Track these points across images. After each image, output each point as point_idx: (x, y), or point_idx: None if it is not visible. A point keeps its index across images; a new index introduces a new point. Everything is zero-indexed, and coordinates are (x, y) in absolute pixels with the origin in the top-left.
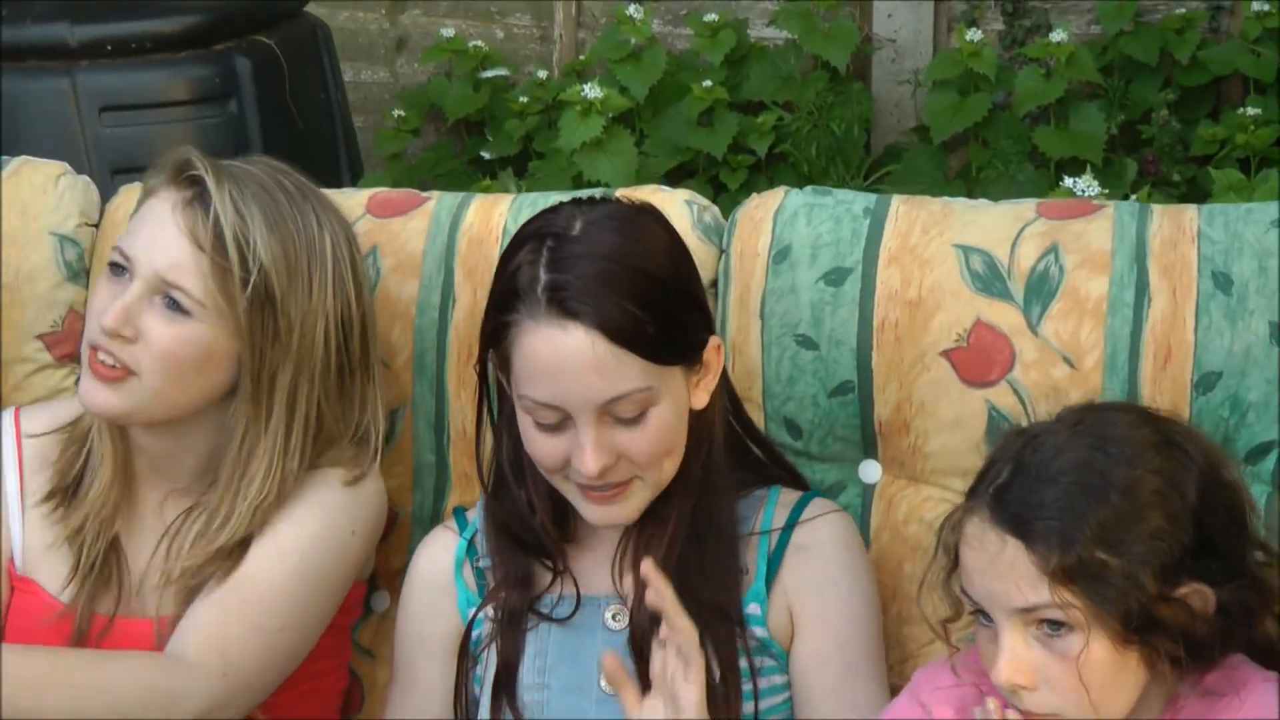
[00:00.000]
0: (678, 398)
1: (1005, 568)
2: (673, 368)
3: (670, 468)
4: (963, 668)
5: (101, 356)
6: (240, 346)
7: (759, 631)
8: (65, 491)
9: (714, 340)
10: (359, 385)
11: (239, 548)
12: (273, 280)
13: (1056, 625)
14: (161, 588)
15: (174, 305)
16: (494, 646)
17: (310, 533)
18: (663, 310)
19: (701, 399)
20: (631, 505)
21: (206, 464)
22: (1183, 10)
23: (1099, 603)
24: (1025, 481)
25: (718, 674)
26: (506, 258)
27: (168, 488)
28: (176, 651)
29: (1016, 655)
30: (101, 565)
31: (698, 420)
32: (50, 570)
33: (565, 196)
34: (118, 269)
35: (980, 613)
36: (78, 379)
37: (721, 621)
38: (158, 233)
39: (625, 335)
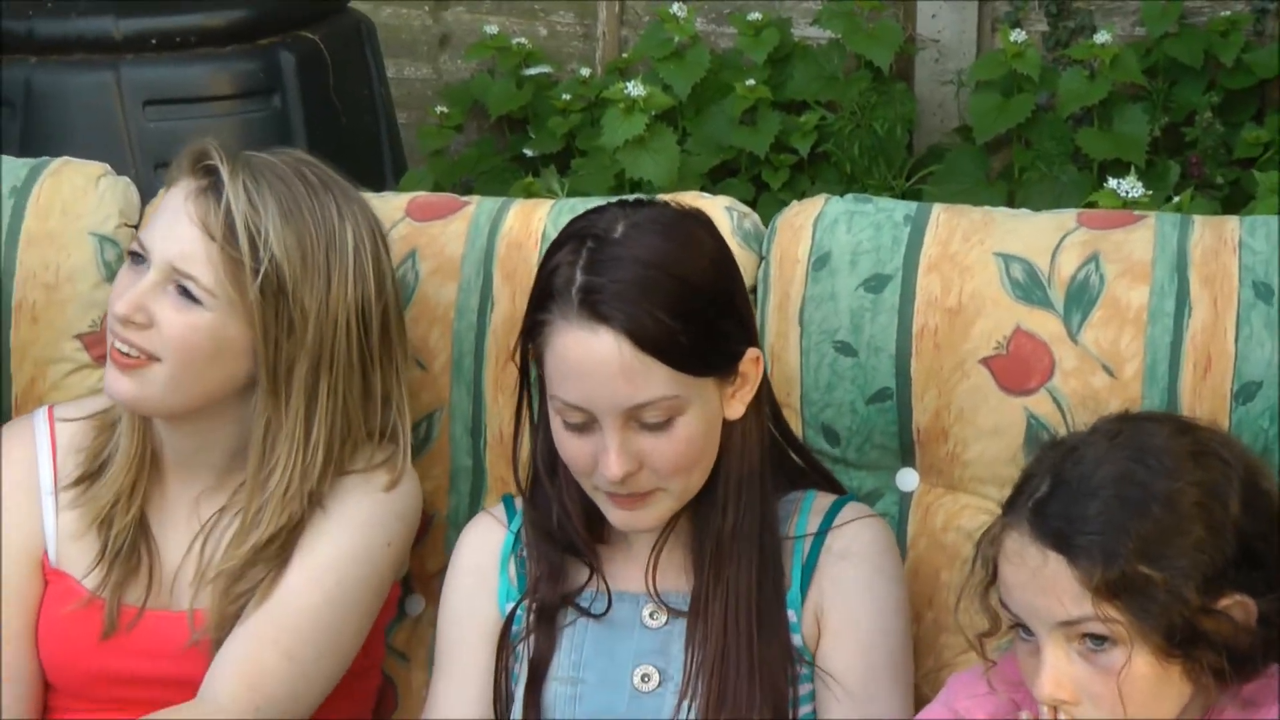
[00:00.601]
0: (709, 408)
1: (1047, 583)
2: (705, 379)
3: (698, 478)
4: (998, 680)
5: (119, 345)
6: (254, 337)
7: (795, 640)
8: (93, 475)
9: (752, 352)
10: (383, 380)
11: (277, 556)
12: (285, 272)
13: (1099, 640)
14: (197, 584)
15: (186, 294)
16: (531, 640)
17: (346, 551)
18: (698, 321)
19: (736, 410)
20: (654, 513)
21: (232, 460)
22: (1227, 13)
23: (1142, 617)
24: (1065, 495)
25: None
26: (548, 256)
27: (199, 485)
28: (208, 692)
29: (1059, 669)
30: (129, 552)
31: (740, 428)
32: (79, 558)
33: (604, 201)
34: (137, 258)
35: (1020, 627)
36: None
37: (773, 638)
38: (171, 222)
39: (655, 343)
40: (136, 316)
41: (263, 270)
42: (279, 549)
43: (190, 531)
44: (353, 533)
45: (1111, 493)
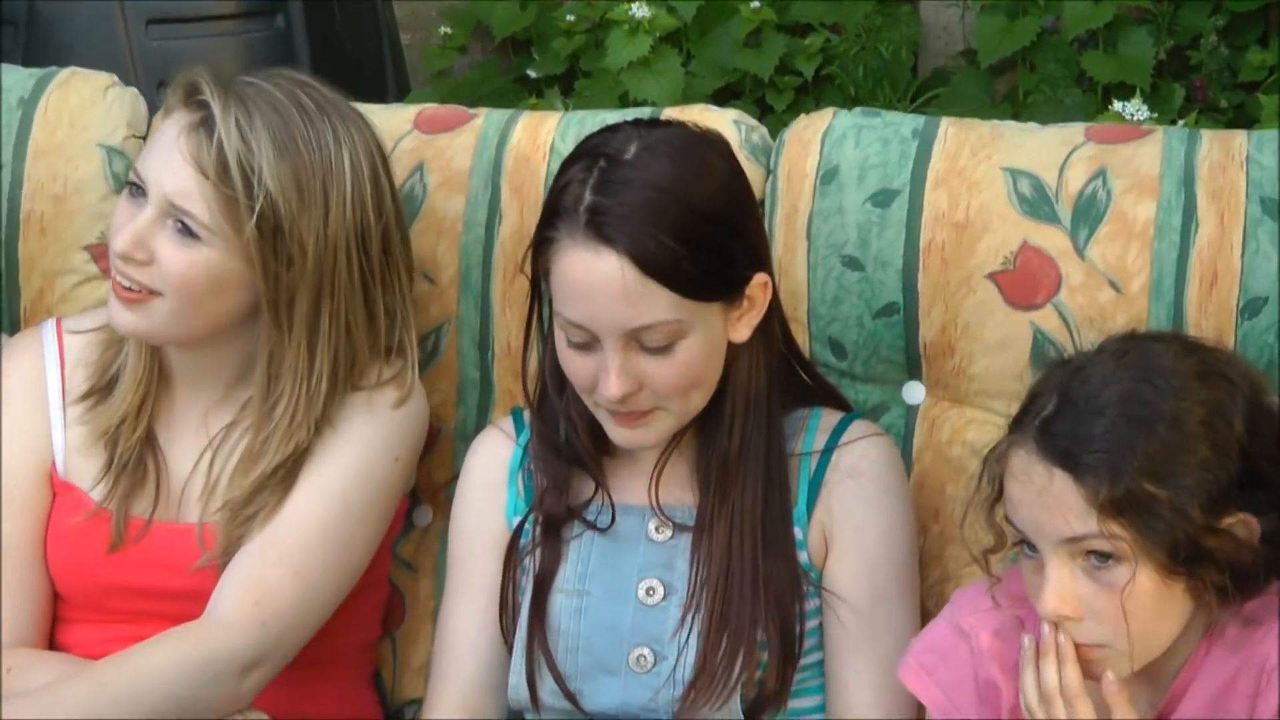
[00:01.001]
0: (712, 332)
1: (1053, 500)
2: (709, 304)
3: (699, 400)
4: (1002, 596)
5: (120, 279)
6: (253, 273)
7: (801, 556)
8: (101, 391)
9: (760, 277)
10: (386, 298)
11: (283, 482)
12: (280, 208)
13: (1104, 557)
14: (206, 498)
15: (184, 230)
16: (537, 553)
17: (353, 469)
18: (705, 246)
19: (742, 334)
20: (654, 432)
21: (240, 376)
22: None
23: (1146, 534)
24: (1072, 414)
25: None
26: (561, 172)
27: (207, 400)
28: (214, 609)
29: (1063, 586)
30: (136, 464)
31: (748, 350)
32: (87, 470)
33: (612, 115)
34: (135, 189)
35: (1025, 544)
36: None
37: (779, 556)
38: (166, 157)
39: (658, 268)
40: (137, 253)
41: (258, 208)
42: (285, 475)
43: (198, 445)
44: (359, 450)
45: (1118, 411)
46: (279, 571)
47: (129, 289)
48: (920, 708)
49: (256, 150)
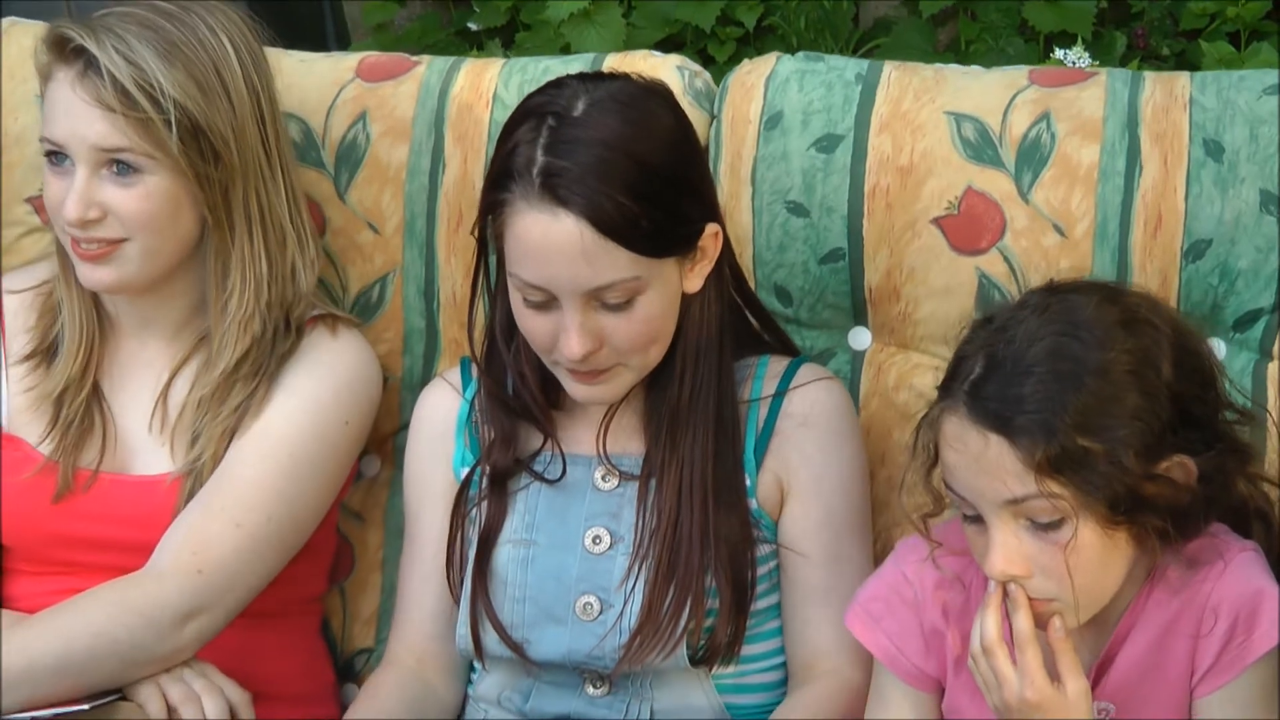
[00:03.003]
0: (668, 285)
1: (990, 464)
2: (665, 258)
3: (656, 353)
4: (943, 552)
5: (84, 245)
6: (190, 182)
7: (751, 504)
8: (44, 353)
9: (711, 228)
10: (290, 182)
11: (250, 380)
12: (190, 108)
13: (1046, 515)
14: (161, 442)
15: (122, 168)
16: (483, 505)
17: (303, 427)
18: (659, 203)
19: (695, 284)
20: (615, 387)
21: (186, 317)
22: None
23: (1085, 489)
24: (1000, 376)
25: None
26: (507, 131)
27: (152, 349)
28: (154, 559)
29: (1008, 547)
30: (82, 418)
31: (699, 299)
32: (34, 427)
33: (555, 62)
34: (56, 156)
35: (965, 506)
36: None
37: (731, 505)
38: (71, 113)
39: (615, 228)
40: (90, 213)
41: (173, 118)
42: (248, 376)
43: (148, 390)
44: (310, 410)
45: (1046, 369)
46: (219, 523)
47: (96, 247)
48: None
49: (147, 67)
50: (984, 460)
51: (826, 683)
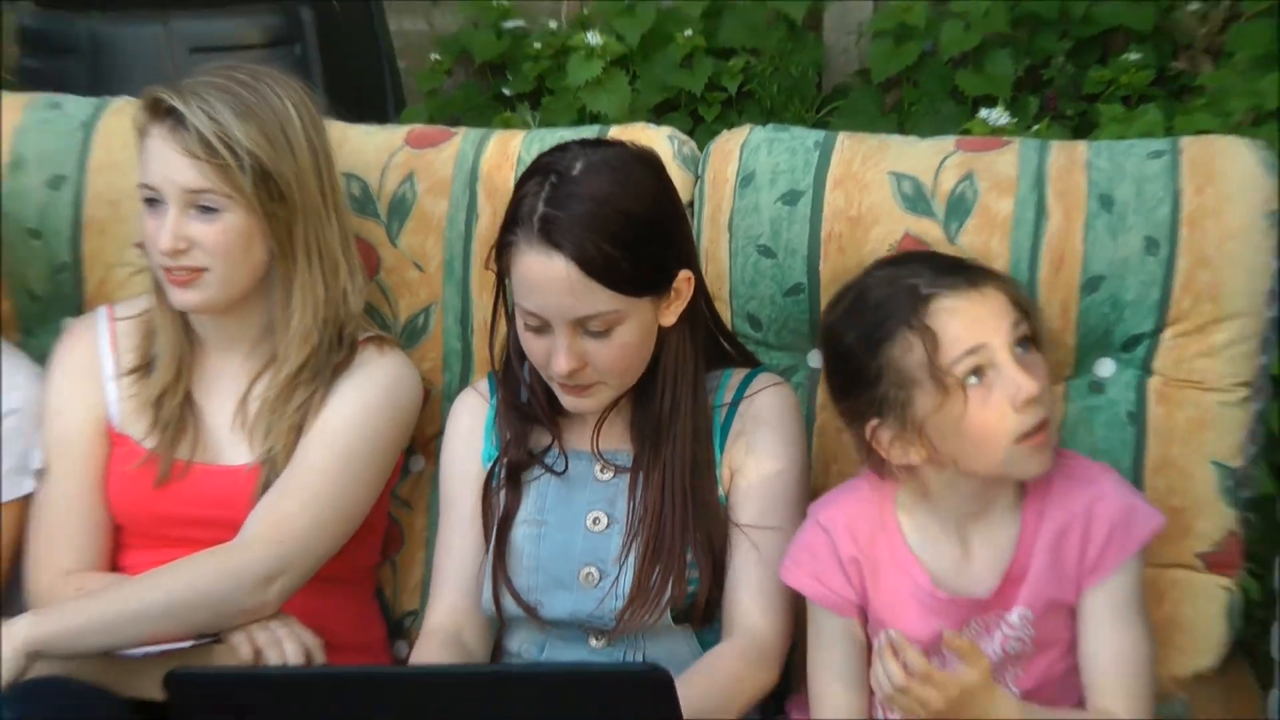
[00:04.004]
0: (644, 319)
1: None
2: (641, 298)
3: (632, 375)
4: (841, 506)
5: (174, 272)
6: (261, 218)
7: (719, 491)
8: (145, 367)
9: (685, 273)
10: (342, 222)
11: (309, 384)
12: (261, 157)
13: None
14: (241, 438)
15: (207, 209)
16: (502, 493)
17: (355, 426)
18: (637, 251)
19: (669, 319)
20: (596, 400)
21: (259, 338)
22: None
23: None
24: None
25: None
26: (519, 184)
27: (235, 361)
28: (243, 532)
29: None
30: (177, 419)
31: (675, 332)
32: (138, 426)
33: (569, 132)
34: (152, 202)
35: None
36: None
37: (707, 498)
38: (165, 162)
39: (598, 270)
40: (179, 245)
41: (246, 165)
42: (308, 380)
43: (228, 399)
44: (359, 411)
45: None
46: (293, 503)
47: (184, 275)
48: (802, 601)
49: (226, 123)
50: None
51: (738, 638)
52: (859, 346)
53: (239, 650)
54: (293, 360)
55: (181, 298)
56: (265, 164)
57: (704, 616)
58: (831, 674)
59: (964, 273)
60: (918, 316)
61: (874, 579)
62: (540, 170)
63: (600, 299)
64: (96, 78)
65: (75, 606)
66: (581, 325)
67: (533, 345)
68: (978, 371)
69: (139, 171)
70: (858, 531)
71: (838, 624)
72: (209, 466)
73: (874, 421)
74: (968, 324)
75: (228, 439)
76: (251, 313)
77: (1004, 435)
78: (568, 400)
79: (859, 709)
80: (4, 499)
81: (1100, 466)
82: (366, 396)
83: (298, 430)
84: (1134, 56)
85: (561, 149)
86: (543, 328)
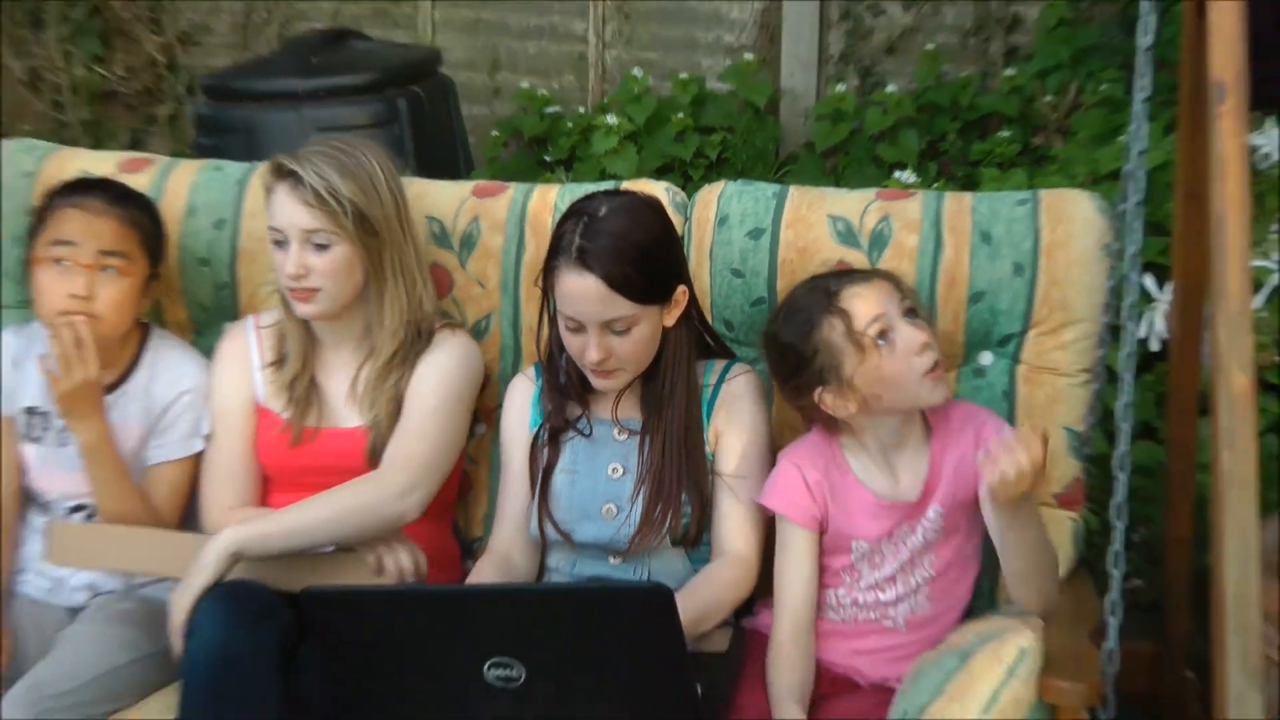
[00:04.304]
0: (653, 321)
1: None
2: (651, 306)
3: (645, 362)
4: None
5: (297, 292)
6: (358, 249)
7: (706, 448)
8: (280, 361)
9: (681, 288)
10: (416, 250)
11: (399, 368)
12: (360, 204)
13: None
14: (353, 409)
15: (319, 245)
16: (544, 451)
17: (443, 388)
18: (647, 271)
19: (670, 321)
20: (618, 381)
21: (363, 332)
22: (965, 74)
23: None
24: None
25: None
26: (559, 224)
27: (345, 352)
28: (381, 467)
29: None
30: (305, 397)
31: (675, 331)
32: (277, 403)
33: (592, 186)
34: (278, 243)
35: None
36: (283, 300)
37: (698, 456)
38: (288, 211)
39: (620, 285)
40: (300, 272)
41: (349, 210)
42: (399, 364)
43: (343, 381)
44: (443, 375)
45: None
46: (412, 439)
47: (304, 294)
48: (771, 528)
49: (331, 180)
50: None
51: (725, 560)
52: (797, 338)
53: (367, 558)
54: (386, 350)
55: (303, 310)
56: (361, 209)
57: (693, 541)
58: (794, 575)
59: (858, 272)
60: (833, 304)
61: (833, 498)
62: (575, 213)
63: (622, 307)
64: (249, 150)
65: (266, 519)
66: (608, 326)
67: (571, 341)
68: (884, 335)
69: (268, 217)
70: (817, 465)
71: (801, 536)
72: (330, 430)
73: (819, 389)
74: (869, 302)
75: (343, 410)
76: (354, 318)
77: (911, 374)
78: (597, 381)
79: (812, 602)
80: (183, 455)
81: (984, 409)
82: (447, 365)
83: (396, 400)
84: (1005, 134)
85: (590, 197)
86: (579, 328)
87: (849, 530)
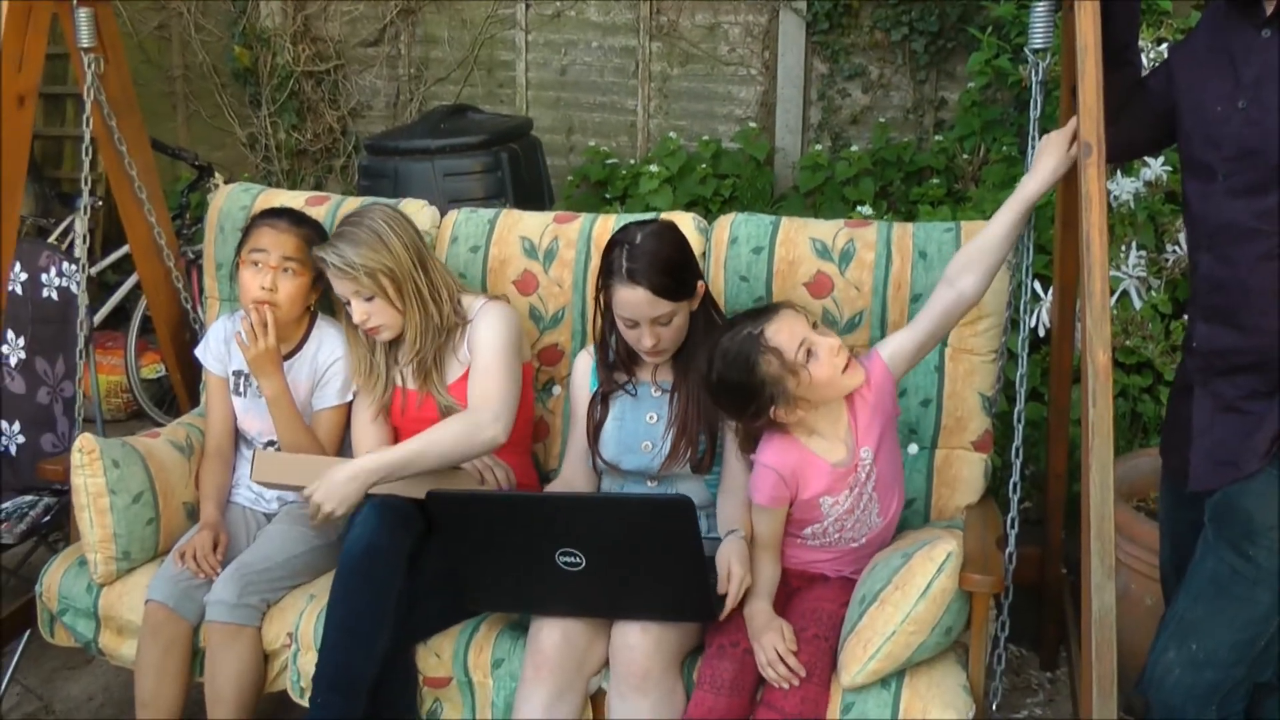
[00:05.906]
0: (684, 312)
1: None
2: (682, 301)
3: (680, 341)
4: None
5: (369, 331)
6: (391, 292)
7: None
8: (371, 365)
9: (701, 285)
10: (430, 282)
11: (460, 360)
12: (373, 266)
13: None
14: (419, 382)
15: (367, 299)
16: (598, 406)
17: (495, 337)
18: (678, 278)
19: (694, 308)
20: (665, 357)
21: (408, 342)
22: (906, 139)
23: None
24: None
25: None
26: (607, 251)
27: (409, 351)
28: (469, 407)
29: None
30: (391, 383)
31: (697, 315)
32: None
33: (634, 218)
34: (346, 302)
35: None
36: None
37: (708, 404)
38: (336, 284)
39: (661, 291)
40: (362, 320)
41: (372, 272)
42: (443, 345)
43: (419, 370)
44: (496, 329)
45: None
46: (486, 381)
47: (372, 330)
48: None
49: (346, 254)
50: None
51: (729, 487)
52: (743, 378)
53: (471, 472)
54: (418, 347)
55: (375, 338)
56: (374, 267)
57: (706, 468)
58: (765, 528)
59: (769, 311)
60: (762, 343)
61: (801, 477)
62: (617, 242)
63: (664, 306)
64: (395, 190)
65: (393, 449)
66: (656, 321)
67: (630, 334)
68: (808, 353)
69: (334, 293)
70: (786, 462)
71: (774, 513)
72: (420, 395)
73: (773, 409)
74: (789, 333)
75: (414, 384)
76: (401, 335)
77: (834, 372)
78: (649, 358)
79: (778, 535)
80: (338, 403)
81: (867, 356)
82: (496, 324)
83: (441, 369)
84: (935, 181)
85: (625, 229)
86: (635, 325)
87: (818, 492)
